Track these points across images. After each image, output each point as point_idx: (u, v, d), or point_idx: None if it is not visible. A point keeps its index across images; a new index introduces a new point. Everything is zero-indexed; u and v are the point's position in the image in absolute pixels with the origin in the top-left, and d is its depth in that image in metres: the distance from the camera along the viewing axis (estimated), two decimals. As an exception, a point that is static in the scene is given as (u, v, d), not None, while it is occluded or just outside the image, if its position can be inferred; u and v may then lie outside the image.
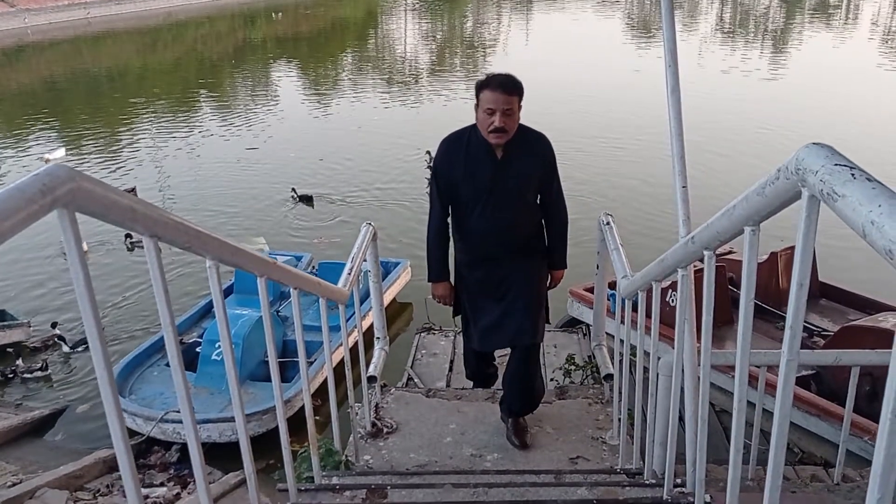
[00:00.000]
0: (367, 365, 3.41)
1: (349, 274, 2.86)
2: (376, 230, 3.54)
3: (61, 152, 12.77)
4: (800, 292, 1.01)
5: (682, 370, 2.08)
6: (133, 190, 9.17)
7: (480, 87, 2.89)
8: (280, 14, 37.17)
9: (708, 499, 1.87)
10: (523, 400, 3.29)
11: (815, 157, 0.91)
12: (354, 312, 3.27)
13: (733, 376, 3.32)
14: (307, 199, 10.34)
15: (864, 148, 11.02)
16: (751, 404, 2.71)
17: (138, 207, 1.20)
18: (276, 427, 4.57)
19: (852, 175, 0.82)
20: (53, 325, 6.95)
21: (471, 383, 3.84)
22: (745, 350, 1.30)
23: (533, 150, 3.02)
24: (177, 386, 1.42)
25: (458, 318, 3.48)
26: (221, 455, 4.78)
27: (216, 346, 5.70)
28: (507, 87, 2.83)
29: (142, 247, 7.23)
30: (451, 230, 3.19)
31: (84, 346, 6.59)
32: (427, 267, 3.26)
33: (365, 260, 3.43)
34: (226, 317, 1.62)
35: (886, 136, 12.63)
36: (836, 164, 0.86)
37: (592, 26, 32.86)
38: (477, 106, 2.91)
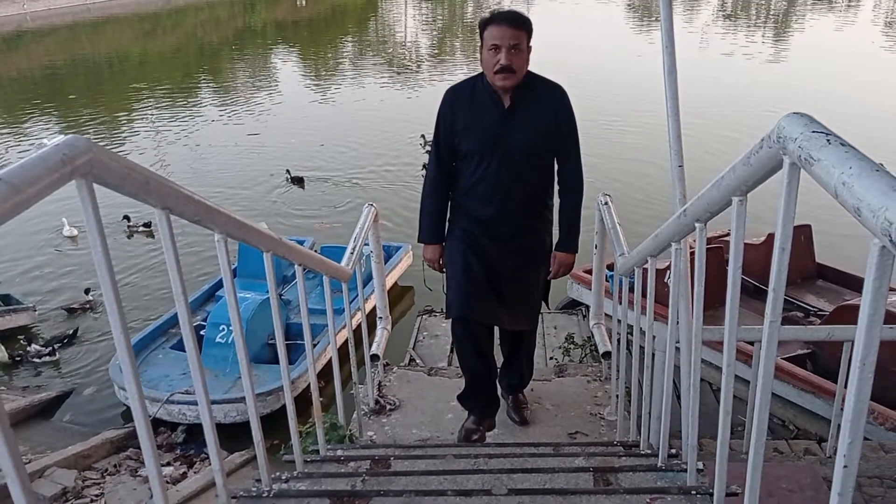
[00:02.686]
0: (370, 345, 3.48)
1: (352, 253, 2.92)
2: (378, 211, 3.59)
3: (60, 139, 12.80)
4: (781, 256, 1.07)
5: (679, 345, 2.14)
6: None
7: (484, 24, 2.59)
8: (304, 2, 36.60)
9: (700, 466, 1.93)
10: (522, 375, 3.29)
11: (795, 125, 0.96)
12: (357, 293, 3.33)
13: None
14: (298, 181, 10.56)
15: (866, 130, 11.05)
16: (746, 382, 2.79)
17: (152, 180, 1.25)
18: (279, 409, 4.64)
19: (827, 140, 0.88)
20: (87, 292, 7.22)
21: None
22: (734, 315, 1.35)
23: (546, 100, 2.69)
24: (189, 353, 1.49)
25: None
26: (226, 436, 4.85)
27: (219, 328, 5.79)
28: (514, 21, 2.54)
29: (139, 232, 7.25)
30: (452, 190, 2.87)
31: (59, 343, 6.50)
32: (419, 226, 2.96)
33: (367, 244, 3.49)
34: (234, 289, 1.68)
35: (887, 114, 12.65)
36: (813, 131, 0.91)
37: (594, 11, 32.73)
38: (481, 48, 2.62)
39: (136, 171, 1.21)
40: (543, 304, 3.15)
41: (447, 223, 2.93)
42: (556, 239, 2.97)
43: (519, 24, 2.55)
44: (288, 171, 10.65)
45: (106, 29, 31.32)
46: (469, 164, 2.73)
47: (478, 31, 2.65)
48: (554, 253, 2.90)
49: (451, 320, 2.98)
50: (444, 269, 2.96)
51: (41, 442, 5.32)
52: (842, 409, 3.04)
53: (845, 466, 0.87)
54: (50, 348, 6.35)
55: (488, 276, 2.83)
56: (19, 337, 6.62)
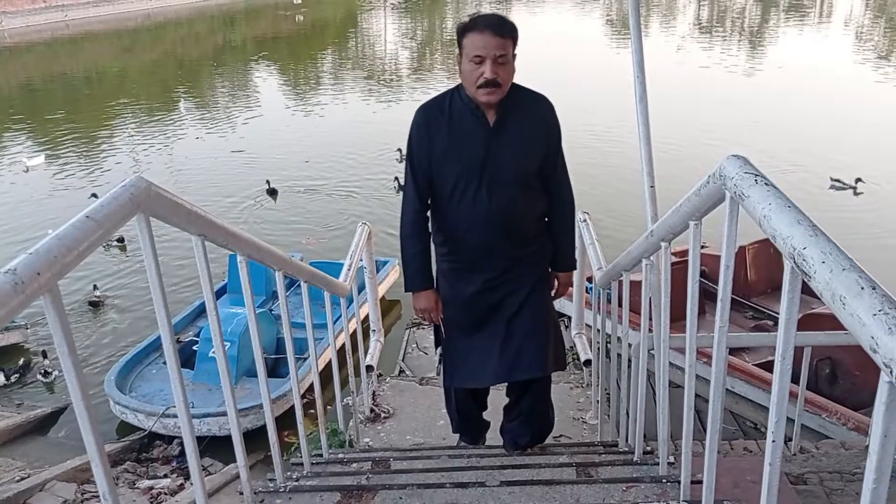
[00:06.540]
0: (365, 356, 3.67)
1: (349, 270, 3.11)
2: (371, 230, 3.79)
3: (41, 158, 12.97)
4: (727, 272, 1.29)
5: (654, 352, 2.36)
6: (94, 196, 9.46)
7: (464, 30, 2.25)
8: (302, 17, 36.61)
9: (671, 460, 2.15)
10: (534, 431, 2.71)
11: (733, 166, 1.19)
12: (351, 305, 3.52)
13: (705, 361, 3.59)
14: (272, 193, 10.94)
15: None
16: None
17: (192, 212, 1.45)
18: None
19: (755, 180, 1.10)
20: (95, 288, 7.81)
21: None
22: (693, 323, 1.57)
23: (534, 114, 2.38)
24: (219, 364, 1.68)
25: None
26: (222, 447, 5.00)
27: (213, 343, 5.94)
28: (499, 28, 2.21)
29: (113, 246, 7.42)
30: (431, 227, 2.50)
31: (15, 373, 6.58)
32: (403, 273, 2.57)
33: (360, 260, 3.69)
34: (254, 307, 1.87)
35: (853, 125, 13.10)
36: (745, 172, 1.14)
37: (571, 24, 33.31)
38: (460, 57, 2.29)
39: (180, 205, 1.40)
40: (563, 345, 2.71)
41: (437, 276, 2.58)
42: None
43: (505, 32, 2.22)
44: (268, 181, 11.00)
45: (84, 45, 31.31)
46: (453, 194, 2.36)
47: (455, 37, 2.31)
48: (554, 273, 2.58)
49: (443, 377, 2.75)
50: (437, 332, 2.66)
51: (38, 457, 5.42)
52: (810, 412, 3.29)
53: (773, 441, 1.09)
54: (44, 370, 6.49)
55: (495, 330, 2.49)
56: (41, 348, 6.84)
